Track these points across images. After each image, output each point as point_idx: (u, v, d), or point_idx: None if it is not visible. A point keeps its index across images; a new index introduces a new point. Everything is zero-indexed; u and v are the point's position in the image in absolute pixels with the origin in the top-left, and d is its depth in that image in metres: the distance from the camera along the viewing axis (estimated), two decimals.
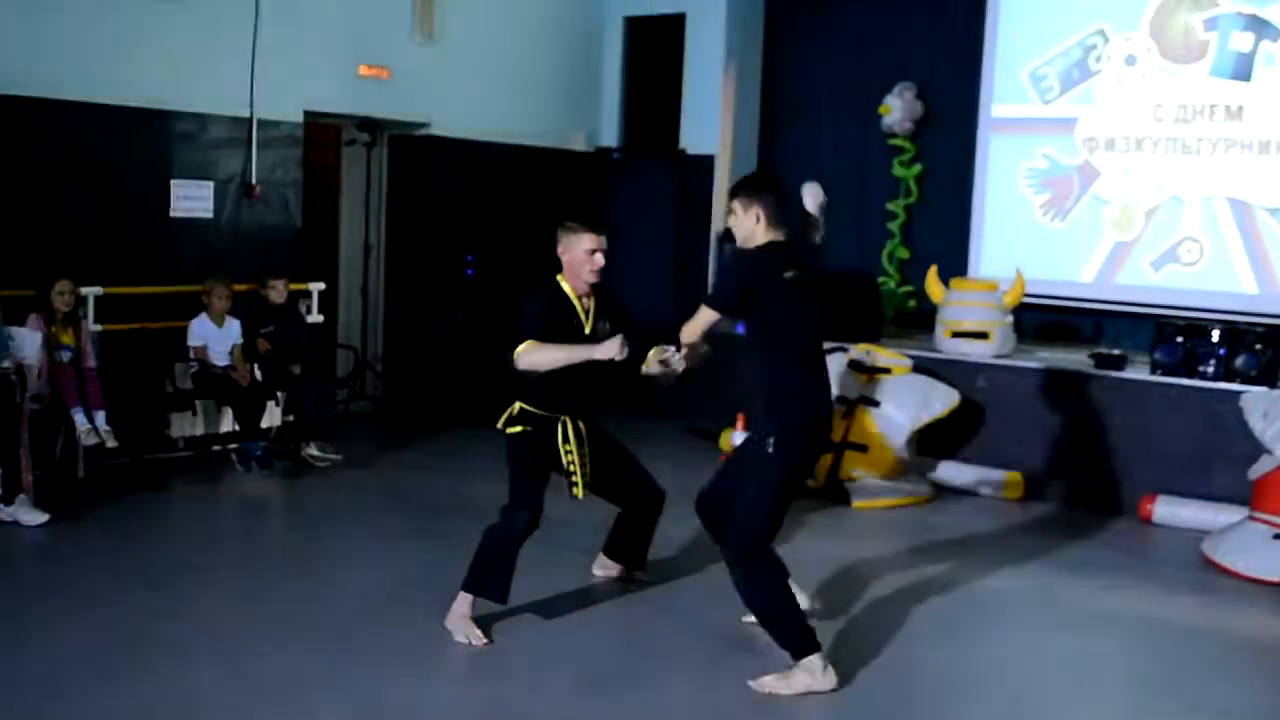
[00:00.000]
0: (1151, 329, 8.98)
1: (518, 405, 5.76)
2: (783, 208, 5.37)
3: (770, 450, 5.22)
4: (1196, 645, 6.18)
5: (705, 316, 5.31)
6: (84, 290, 8.21)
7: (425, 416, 10.69)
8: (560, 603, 6.15)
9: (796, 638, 5.22)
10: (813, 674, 5.18)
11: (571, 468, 5.72)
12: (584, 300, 5.81)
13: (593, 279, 5.74)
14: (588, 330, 5.77)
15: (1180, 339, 8.57)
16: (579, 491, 5.77)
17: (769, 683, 5.21)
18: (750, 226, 5.34)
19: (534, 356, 5.62)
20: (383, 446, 9.73)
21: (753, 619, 5.59)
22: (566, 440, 5.71)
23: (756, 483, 5.28)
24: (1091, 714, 5.35)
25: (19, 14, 8.10)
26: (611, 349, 5.45)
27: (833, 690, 5.19)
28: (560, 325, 5.71)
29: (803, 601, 5.72)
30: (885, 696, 5.30)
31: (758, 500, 5.25)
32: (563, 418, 5.72)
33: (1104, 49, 10.29)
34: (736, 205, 5.38)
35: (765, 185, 5.45)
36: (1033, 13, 10.67)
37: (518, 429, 5.73)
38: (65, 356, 7.83)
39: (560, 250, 5.79)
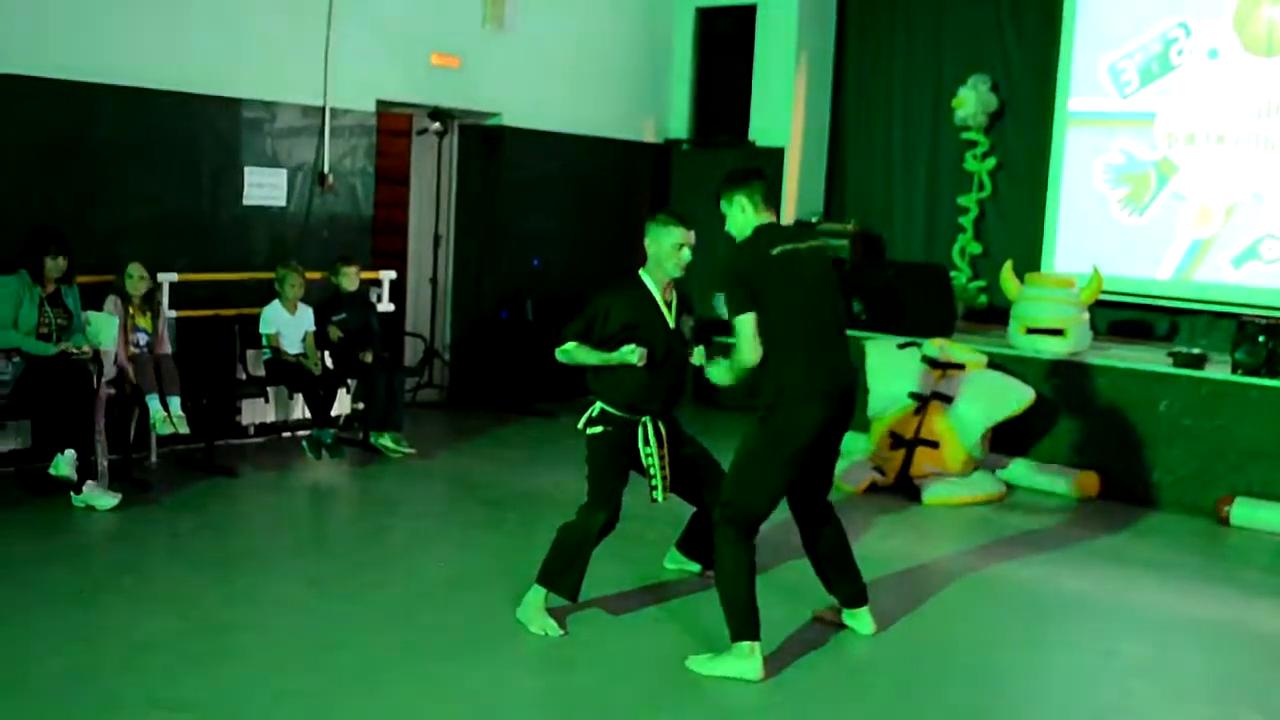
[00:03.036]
0: (1229, 327, 8.82)
1: (598, 406, 5.68)
2: (767, 191, 5.36)
3: (760, 421, 5.22)
4: (1277, 651, 6.05)
5: (745, 328, 5.18)
6: (160, 277, 8.28)
7: (492, 406, 10.70)
8: (634, 596, 6.12)
9: (743, 620, 5.18)
10: (742, 657, 5.17)
11: (652, 470, 5.65)
12: (666, 293, 5.73)
13: (678, 273, 5.65)
14: (672, 325, 5.70)
15: (1262, 338, 8.39)
16: (660, 494, 5.69)
17: (701, 661, 5.24)
18: (738, 218, 5.36)
19: (569, 355, 5.68)
20: (450, 436, 9.74)
21: (829, 612, 5.72)
22: (647, 442, 5.63)
23: (754, 450, 5.25)
24: None
25: (96, 4, 8.15)
26: (630, 357, 5.48)
27: (759, 680, 5.15)
28: (643, 320, 5.62)
29: (866, 626, 5.77)
30: (961, 698, 5.23)
31: (748, 472, 5.25)
32: (644, 419, 5.67)
33: (1185, 42, 10.12)
34: (721, 205, 5.39)
35: (742, 175, 5.41)
36: (1112, 4, 10.50)
37: (598, 429, 5.67)
38: (141, 339, 7.89)
39: (647, 242, 5.70)
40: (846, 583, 5.77)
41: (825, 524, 5.71)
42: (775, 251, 5.23)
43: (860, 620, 5.78)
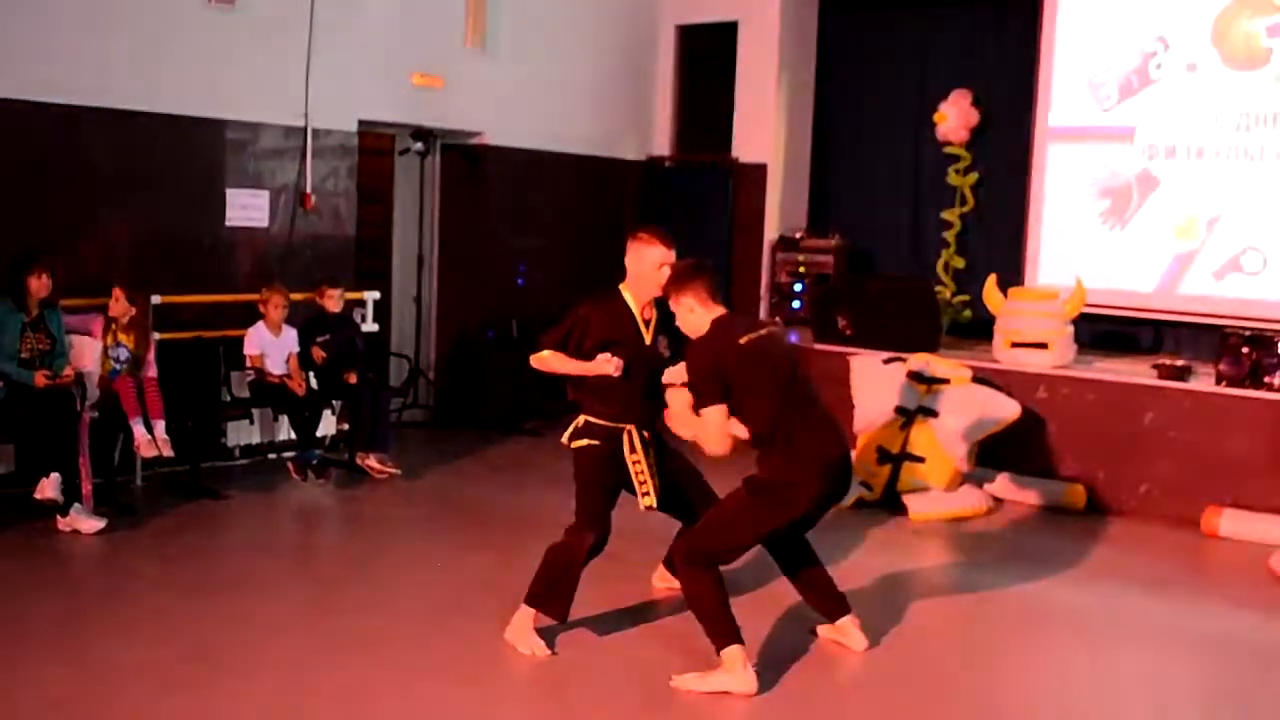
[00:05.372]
0: (1212, 339, 8.84)
1: (582, 418, 5.70)
2: (713, 286, 5.40)
3: (756, 490, 5.30)
4: (1266, 662, 6.05)
5: (715, 418, 5.22)
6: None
7: (478, 425, 10.67)
8: (623, 616, 6.10)
9: (722, 627, 5.20)
10: (733, 672, 5.18)
11: (641, 476, 5.64)
12: (645, 311, 5.74)
13: (658, 292, 5.65)
14: (648, 342, 5.71)
15: (1246, 350, 8.43)
16: (650, 501, 5.67)
17: (689, 679, 5.24)
18: (689, 318, 5.39)
19: (544, 363, 5.71)
20: (436, 456, 9.71)
21: (825, 628, 5.76)
22: (634, 450, 5.64)
23: (736, 508, 5.35)
24: None
25: (76, 25, 8.14)
26: (605, 368, 5.51)
27: (753, 694, 5.15)
28: (618, 337, 5.64)
29: (857, 642, 5.79)
30: (949, 714, 5.22)
31: (727, 524, 5.33)
32: (627, 428, 5.66)
33: (1164, 56, 10.17)
34: (671, 304, 5.43)
35: (684, 274, 5.43)
36: (1091, 20, 10.54)
37: (584, 443, 5.67)
38: (122, 355, 7.85)
39: (628, 260, 5.71)
40: (826, 601, 5.84)
41: (801, 558, 5.83)
42: (744, 341, 5.28)
43: (850, 636, 5.80)
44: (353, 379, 8.89)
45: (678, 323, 5.45)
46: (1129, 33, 10.33)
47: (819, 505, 5.37)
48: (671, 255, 5.62)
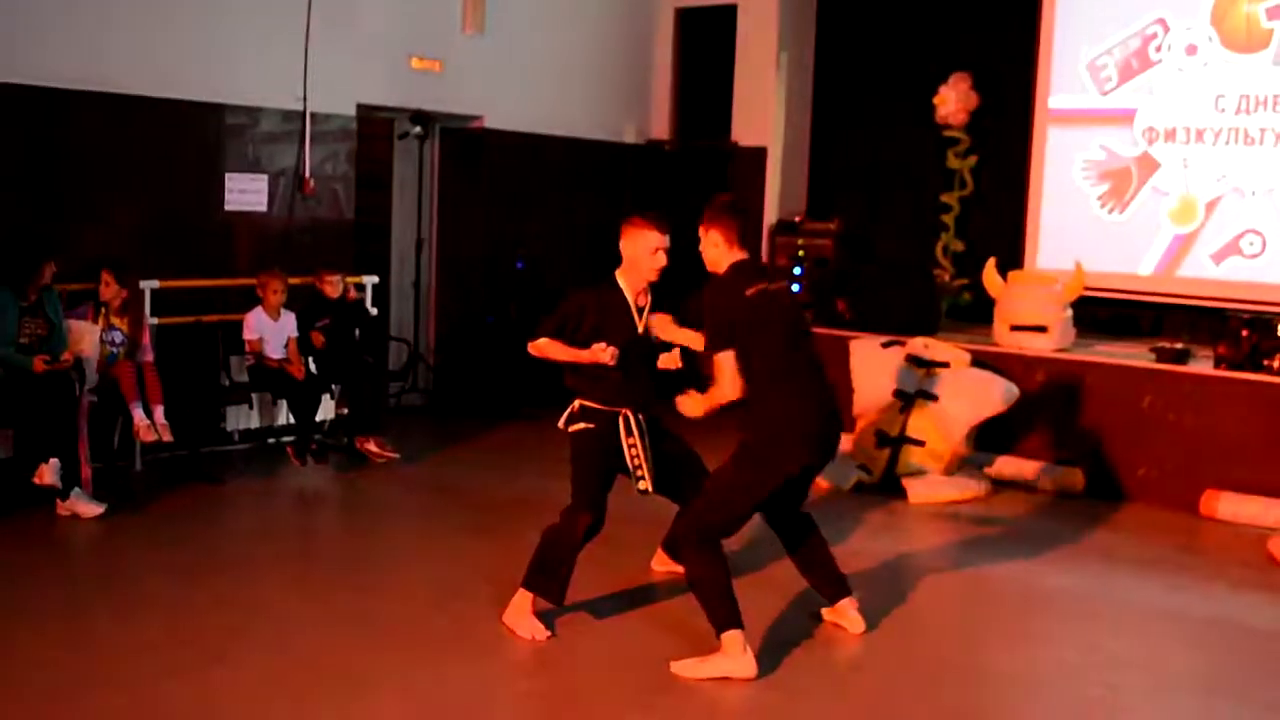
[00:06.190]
0: (1212, 322, 8.84)
1: (578, 403, 5.70)
2: (743, 229, 5.42)
3: (742, 456, 5.29)
4: (1265, 645, 6.06)
5: (725, 363, 5.27)
6: (140, 284, 8.24)
7: (476, 410, 10.68)
8: (621, 599, 6.11)
9: (723, 610, 5.20)
10: (732, 657, 5.18)
11: (636, 460, 5.64)
12: (639, 298, 5.73)
13: (653, 277, 5.66)
14: (640, 329, 5.70)
15: (1245, 333, 8.43)
16: (646, 485, 5.68)
17: (688, 665, 5.24)
18: (711, 252, 5.42)
19: (541, 350, 5.71)
20: (435, 440, 9.71)
21: (828, 610, 5.76)
22: (630, 434, 5.64)
23: (728, 478, 5.33)
24: (1160, 716, 5.27)
25: (75, 10, 8.13)
26: (601, 356, 5.52)
27: (752, 678, 5.16)
28: (612, 325, 5.64)
29: (855, 624, 5.80)
30: (948, 697, 5.23)
31: (721, 495, 5.32)
32: (623, 412, 5.66)
33: (1164, 39, 10.14)
34: (700, 230, 5.45)
35: (720, 209, 5.45)
36: (1091, 2, 10.51)
37: (580, 427, 5.67)
38: (117, 338, 7.85)
39: (622, 245, 5.71)
40: (827, 584, 5.85)
41: (803, 533, 5.82)
42: (750, 292, 5.30)
43: (848, 618, 5.81)
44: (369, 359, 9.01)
45: (700, 249, 5.44)
46: (1129, 15, 10.30)
47: (808, 464, 5.37)
48: (665, 240, 5.62)
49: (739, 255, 5.41)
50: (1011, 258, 10.58)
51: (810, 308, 10.46)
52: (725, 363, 5.26)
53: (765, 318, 5.32)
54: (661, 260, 5.62)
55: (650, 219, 5.67)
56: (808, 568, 5.86)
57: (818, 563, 5.84)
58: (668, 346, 5.73)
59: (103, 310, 7.86)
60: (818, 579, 5.86)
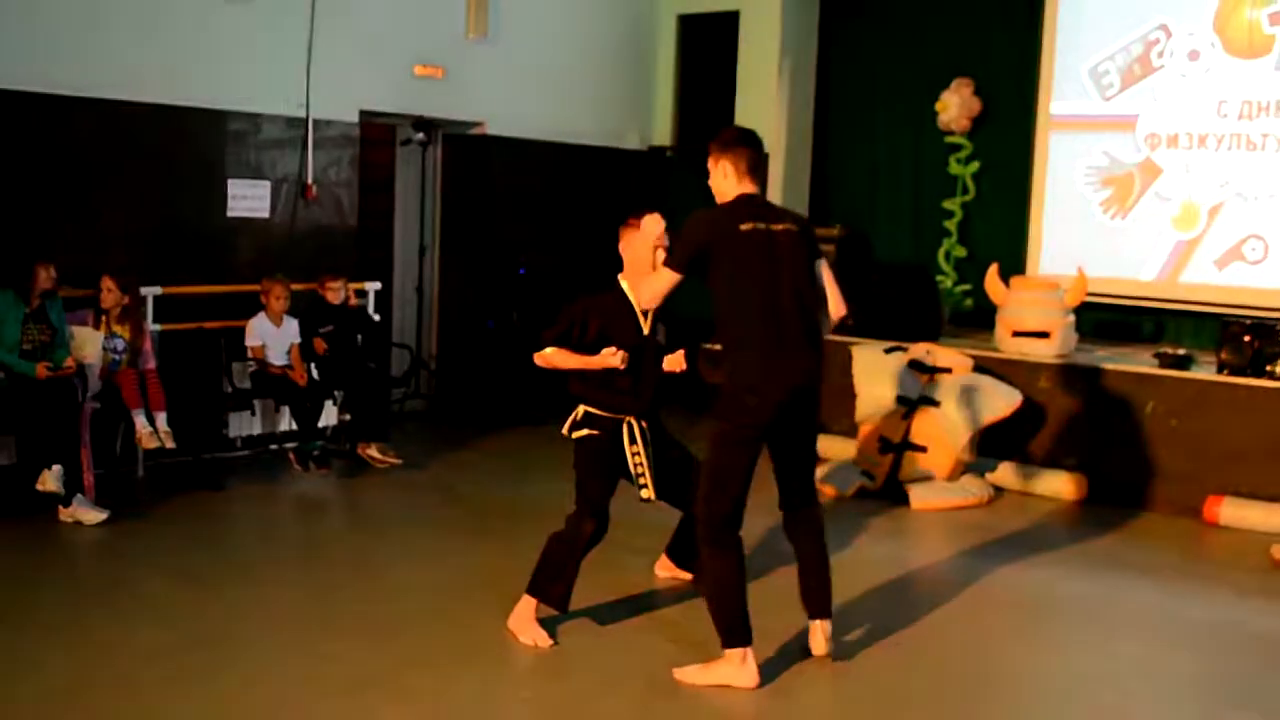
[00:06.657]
0: (1214, 328, 8.83)
1: (582, 409, 5.69)
2: (754, 161, 5.24)
3: (715, 424, 5.14)
4: (1271, 650, 6.05)
5: (664, 277, 5.18)
6: (143, 291, 8.23)
7: (479, 416, 10.68)
8: (624, 605, 6.10)
9: (734, 626, 5.12)
10: (734, 665, 5.13)
11: (640, 468, 5.64)
12: None
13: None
14: (646, 332, 5.70)
15: (1248, 338, 8.42)
16: (649, 493, 5.68)
17: (691, 672, 5.20)
18: (719, 182, 5.27)
19: (548, 360, 5.68)
20: (437, 446, 9.71)
21: (821, 620, 5.57)
22: (633, 441, 5.64)
23: (714, 454, 5.16)
24: None
25: (77, 16, 8.13)
26: (611, 361, 5.50)
27: (754, 687, 5.12)
28: (617, 328, 5.64)
29: (818, 646, 5.51)
30: (955, 706, 5.22)
31: (716, 473, 5.15)
32: (627, 419, 5.66)
33: (1166, 44, 10.15)
34: (709, 161, 5.29)
35: (735, 139, 5.28)
36: (1093, 8, 10.54)
37: (584, 433, 5.67)
38: (119, 346, 7.85)
39: (622, 248, 5.71)
40: (810, 593, 5.55)
41: (806, 529, 5.53)
42: (744, 228, 5.11)
43: (814, 638, 5.51)
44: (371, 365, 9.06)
45: (710, 181, 5.32)
46: (1132, 20, 10.32)
47: (774, 428, 5.13)
48: (665, 238, 5.59)
49: (748, 189, 5.22)
50: (1014, 264, 10.60)
51: None
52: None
53: (748, 257, 5.07)
54: (663, 256, 5.59)
55: (644, 217, 5.65)
56: (801, 572, 5.61)
57: (808, 569, 5.57)
58: (672, 348, 5.73)
59: (103, 318, 7.86)
60: (802, 587, 5.59)
